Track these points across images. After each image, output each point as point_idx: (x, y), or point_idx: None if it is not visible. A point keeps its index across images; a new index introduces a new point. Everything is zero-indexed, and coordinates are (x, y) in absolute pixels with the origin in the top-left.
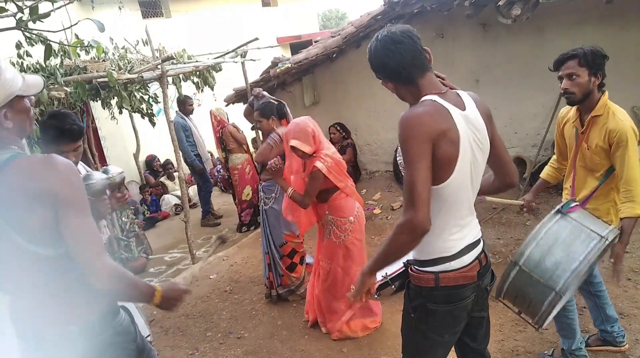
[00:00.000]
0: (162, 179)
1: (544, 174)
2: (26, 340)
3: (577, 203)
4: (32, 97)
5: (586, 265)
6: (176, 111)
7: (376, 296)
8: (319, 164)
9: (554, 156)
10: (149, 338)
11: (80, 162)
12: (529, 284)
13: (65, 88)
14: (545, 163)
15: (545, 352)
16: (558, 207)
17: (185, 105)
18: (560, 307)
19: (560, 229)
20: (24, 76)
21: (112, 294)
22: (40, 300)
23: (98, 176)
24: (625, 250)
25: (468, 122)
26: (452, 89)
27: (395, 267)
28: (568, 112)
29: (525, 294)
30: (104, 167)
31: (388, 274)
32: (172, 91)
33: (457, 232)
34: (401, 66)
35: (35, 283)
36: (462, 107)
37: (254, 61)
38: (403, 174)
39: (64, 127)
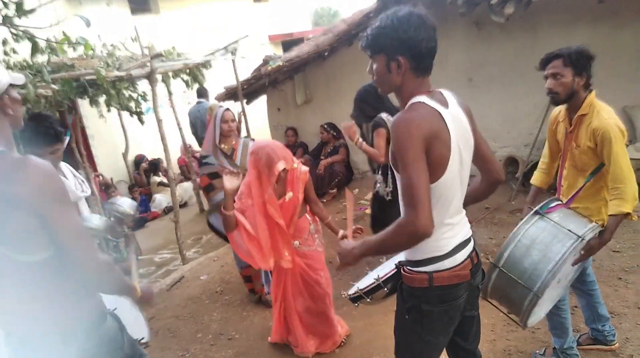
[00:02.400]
0: (159, 178)
1: (534, 180)
2: (12, 344)
3: (559, 203)
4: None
5: (562, 264)
6: (199, 101)
7: (368, 300)
8: (306, 167)
9: (542, 160)
10: (144, 340)
11: (66, 164)
12: (509, 285)
13: (53, 86)
14: (538, 163)
15: (537, 351)
16: (536, 208)
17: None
18: (552, 305)
19: (537, 230)
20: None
21: (104, 288)
22: (23, 305)
23: (95, 223)
24: (616, 249)
25: (454, 120)
26: None
27: (387, 269)
28: (560, 112)
29: (508, 295)
30: (113, 200)
31: (380, 277)
32: (161, 89)
33: (448, 231)
34: (427, 51)
35: (17, 288)
36: (446, 105)
37: (245, 58)
38: (396, 174)
39: (39, 130)
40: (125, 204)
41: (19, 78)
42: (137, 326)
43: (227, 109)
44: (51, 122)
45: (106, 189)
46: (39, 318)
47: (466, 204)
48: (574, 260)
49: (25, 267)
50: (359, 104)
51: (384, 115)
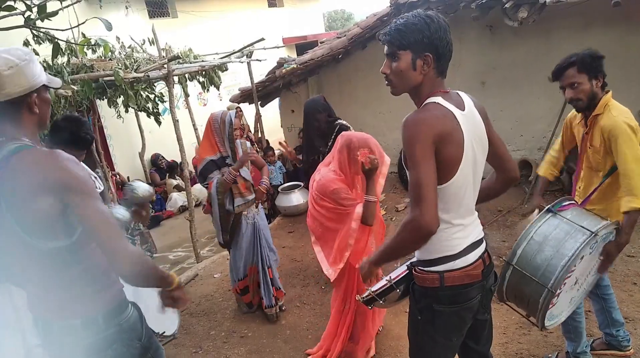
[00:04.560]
0: (175, 181)
1: (541, 170)
2: (40, 327)
3: (572, 202)
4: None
5: (575, 260)
6: None
7: (381, 302)
8: None
9: (551, 153)
10: (168, 332)
11: (81, 163)
12: (523, 283)
13: (72, 86)
14: None
15: (550, 355)
16: (549, 206)
17: None
18: (572, 309)
19: (550, 227)
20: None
21: (136, 279)
22: (47, 291)
23: (120, 214)
24: (631, 253)
25: (469, 122)
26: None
27: (399, 271)
28: (576, 114)
29: (523, 293)
30: (131, 183)
31: (392, 278)
32: (177, 91)
33: (460, 231)
34: (449, 53)
35: (40, 275)
36: (462, 107)
37: (260, 61)
38: (408, 173)
39: (79, 134)
40: (142, 187)
41: (56, 82)
42: (168, 319)
43: (237, 115)
44: (87, 129)
45: (122, 187)
46: (61, 302)
47: (478, 201)
48: (597, 267)
49: (46, 254)
50: (316, 116)
51: (343, 121)
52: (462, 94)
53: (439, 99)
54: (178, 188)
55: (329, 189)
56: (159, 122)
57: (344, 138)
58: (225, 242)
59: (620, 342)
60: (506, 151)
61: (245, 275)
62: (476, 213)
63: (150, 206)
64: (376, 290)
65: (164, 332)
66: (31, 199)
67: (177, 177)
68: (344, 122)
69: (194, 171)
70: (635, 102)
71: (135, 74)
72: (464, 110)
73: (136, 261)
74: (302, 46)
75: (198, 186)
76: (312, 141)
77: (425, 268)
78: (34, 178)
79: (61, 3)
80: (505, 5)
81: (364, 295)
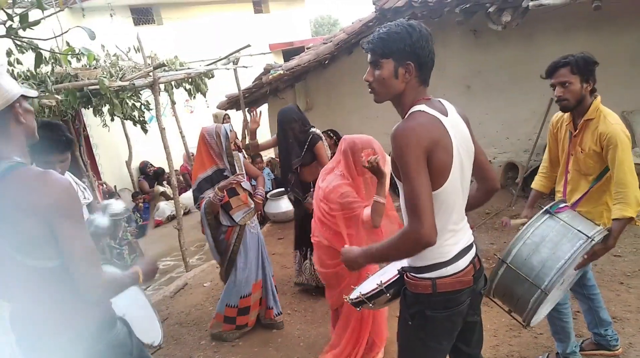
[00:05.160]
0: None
1: (535, 184)
2: (24, 348)
3: (567, 204)
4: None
5: (571, 263)
6: None
7: (371, 305)
8: None
9: (543, 164)
10: (156, 342)
11: (68, 173)
12: (516, 282)
13: (56, 96)
14: (538, 168)
15: (540, 356)
16: (546, 207)
17: None
18: (551, 307)
19: (547, 228)
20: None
21: (105, 300)
22: (34, 309)
23: (100, 222)
24: (617, 253)
25: (454, 127)
26: None
27: (389, 274)
28: (562, 116)
29: (513, 292)
30: (105, 203)
31: (382, 282)
32: (164, 98)
33: (451, 237)
34: (431, 62)
35: (29, 293)
36: (446, 113)
37: (246, 67)
38: (398, 183)
39: (53, 138)
40: (116, 206)
41: (31, 92)
42: (151, 330)
43: (231, 128)
44: (62, 131)
45: (109, 197)
46: (48, 320)
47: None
48: (577, 263)
49: (36, 272)
50: (291, 125)
51: (317, 130)
52: (443, 101)
53: (423, 107)
54: (165, 196)
55: (337, 193)
56: (145, 131)
57: (347, 141)
58: (223, 273)
59: (609, 341)
60: (487, 161)
61: (250, 292)
62: (466, 218)
63: (139, 215)
64: (366, 293)
65: (153, 343)
66: (20, 221)
67: (165, 184)
68: (317, 131)
69: (182, 178)
70: (619, 103)
71: (120, 83)
72: (446, 116)
73: (105, 290)
74: (289, 51)
75: (186, 194)
76: (288, 151)
77: (417, 275)
78: (25, 201)
79: (43, 12)
80: (489, 10)
81: (353, 297)
